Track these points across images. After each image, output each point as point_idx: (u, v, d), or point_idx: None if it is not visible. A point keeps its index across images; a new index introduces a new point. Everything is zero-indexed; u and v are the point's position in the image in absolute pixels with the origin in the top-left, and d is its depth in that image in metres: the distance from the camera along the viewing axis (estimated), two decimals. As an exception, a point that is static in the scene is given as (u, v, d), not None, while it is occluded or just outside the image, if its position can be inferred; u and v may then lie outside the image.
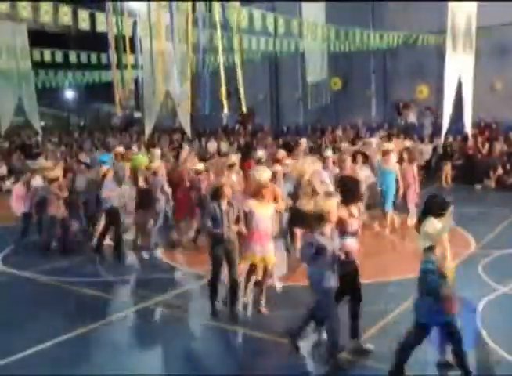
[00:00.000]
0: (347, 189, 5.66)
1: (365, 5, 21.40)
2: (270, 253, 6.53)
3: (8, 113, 21.75)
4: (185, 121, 16.47)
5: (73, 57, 19.40)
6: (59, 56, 18.96)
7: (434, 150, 17.46)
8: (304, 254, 5.29)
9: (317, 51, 19.95)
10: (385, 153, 10.43)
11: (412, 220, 10.05)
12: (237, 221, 6.47)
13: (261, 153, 10.73)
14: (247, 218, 6.45)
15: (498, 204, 12.90)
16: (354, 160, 10.41)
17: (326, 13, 18.86)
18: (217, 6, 10.31)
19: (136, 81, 19.67)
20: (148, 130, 16.34)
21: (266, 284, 6.74)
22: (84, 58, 19.51)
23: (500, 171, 15.22)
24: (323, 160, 9.76)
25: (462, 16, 13.68)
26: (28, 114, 22.23)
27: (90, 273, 8.57)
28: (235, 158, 10.34)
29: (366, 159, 10.89)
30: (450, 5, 13.48)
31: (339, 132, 20.30)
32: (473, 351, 5.20)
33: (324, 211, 5.12)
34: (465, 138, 16.83)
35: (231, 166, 9.55)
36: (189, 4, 10.41)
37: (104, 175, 9.45)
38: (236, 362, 5.66)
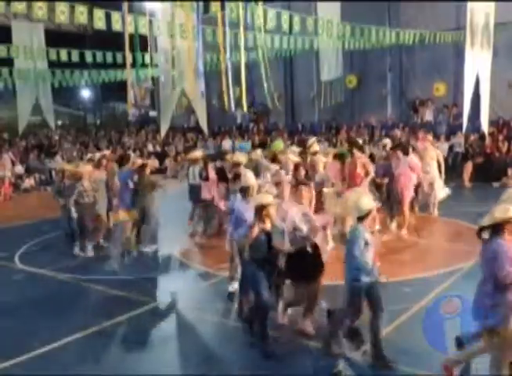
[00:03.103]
0: None
1: (380, 2, 21.22)
2: None
3: (25, 113, 22.07)
4: (202, 119, 16.50)
5: (89, 56, 19.54)
6: (75, 56, 19.10)
7: (451, 148, 17.27)
8: None
9: (332, 49, 19.86)
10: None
11: None
12: None
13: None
14: None
15: (516, 202, 12.67)
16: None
17: (341, 11, 18.77)
18: (240, 5, 10.39)
19: (152, 80, 19.77)
20: (164, 129, 16.39)
21: None
22: (100, 57, 19.63)
23: (519, 169, 15.04)
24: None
25: (480, 12, 13.54)
26: (44, 113, 22.54)
27: (108, 271, 8.61)
28: (316, 144, 10.39)
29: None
30: (469, 2, 13.35)
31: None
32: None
33: None
34: (482, 136, 16.62)
35: (314, 154, 9.53)
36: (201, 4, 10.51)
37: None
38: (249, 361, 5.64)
